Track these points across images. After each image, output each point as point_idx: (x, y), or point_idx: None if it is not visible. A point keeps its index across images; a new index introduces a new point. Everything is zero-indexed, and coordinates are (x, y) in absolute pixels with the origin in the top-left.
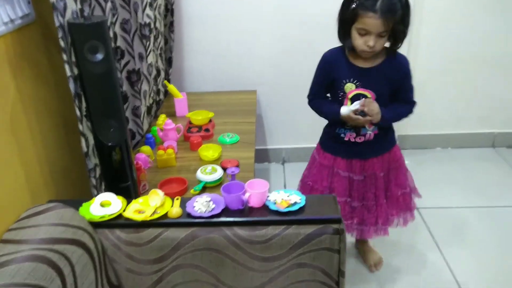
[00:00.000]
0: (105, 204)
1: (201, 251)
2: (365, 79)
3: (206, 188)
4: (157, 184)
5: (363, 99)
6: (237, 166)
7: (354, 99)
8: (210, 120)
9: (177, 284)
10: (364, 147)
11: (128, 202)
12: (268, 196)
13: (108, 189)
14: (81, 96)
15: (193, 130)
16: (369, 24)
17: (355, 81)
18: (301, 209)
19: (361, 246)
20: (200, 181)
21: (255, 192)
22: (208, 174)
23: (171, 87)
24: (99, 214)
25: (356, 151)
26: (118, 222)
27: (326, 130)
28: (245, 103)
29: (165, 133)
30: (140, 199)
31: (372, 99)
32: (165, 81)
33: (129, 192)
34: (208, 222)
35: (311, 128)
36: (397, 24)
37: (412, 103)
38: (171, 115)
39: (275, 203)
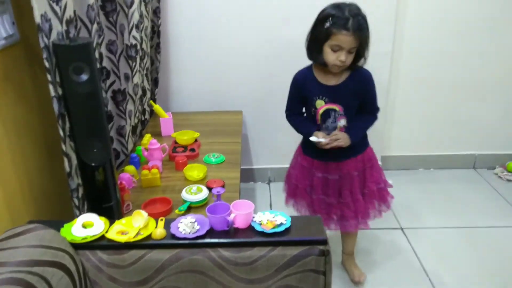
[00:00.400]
0: (87, 225)
1: (185, 273)
2: (333, 95)
3: (191, 208)
4: (141, 204)
5: (333, 135)
6: (223, 186)
7: (324, 113)
8: (196, 140)
9: None
10: (339, 151)
11: (111, 223)
12: (253, 217)
13: (91, 209)
14: (65, 116)
15: (179, 150)
16: (343, 40)
17: (324, 98)
18: (287, 230)
19: (347, 262)
20: (185, 201)
21: (240, 213)
22: (193, 194)
23: (157, 107)
24: (81, 236)
25: (332, 155)
26: (100, 243)
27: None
28: (231, 123)
29: (150, 153)
30: (123, 220)
31: (341, 111)
32: (151, 101)
33: (112, 213)
34: (192, 244)
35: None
36: (363, 41)
37: (376, 110)
38: (157, 134)
39: (260, 224)
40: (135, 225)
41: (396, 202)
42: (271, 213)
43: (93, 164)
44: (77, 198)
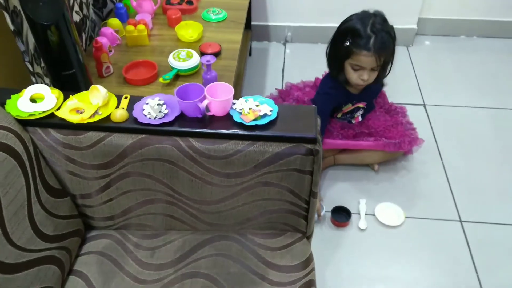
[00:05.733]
0: (37, 99)
1: (152, 161)
2: (359, 98)
3: (179, 76)
4: (123, 66)
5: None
6: (218, 52)
7: (349, 111)
8: None
9: (128, 191)
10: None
11: (67, 97)
12: (233, 104)
13: (52, 78)
14: None
15: (173, 1)
16: (363, 61)
17: (353, 101)
18: (271, 123)
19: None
20: (172, 68)
21: (215, 100)
22: (182, 60)
23: None
24: (28, 111)
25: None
26: (52, 121)
27: None
28: None
29: (139, 3)
30: (81, 94)
31: (364, 106)
32: None
33: (76, 82)
34: (157, 130)
35: (322, 5)
36: (387, 58)
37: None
38: None
39: (241, 113)
40: (92, 102)
41: (423, 73)
42: (256, 99)
43: (43, 22)
44: (30, 63)
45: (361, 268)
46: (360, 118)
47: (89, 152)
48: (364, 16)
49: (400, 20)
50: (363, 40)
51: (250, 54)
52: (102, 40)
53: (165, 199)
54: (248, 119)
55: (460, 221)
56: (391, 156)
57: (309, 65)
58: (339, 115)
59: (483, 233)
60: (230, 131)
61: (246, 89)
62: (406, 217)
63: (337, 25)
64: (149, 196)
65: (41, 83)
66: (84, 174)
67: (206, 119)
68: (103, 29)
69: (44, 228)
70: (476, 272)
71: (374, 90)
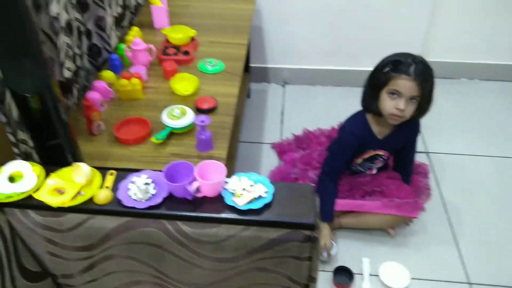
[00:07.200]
0: (16, 177)
1: (137, 245)
2: (383, 144)
3: (173, 134)
4: (115, 124)
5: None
6: (214, 107)
7: (369, 158)
8: (193, 39)
9: (113, 272)
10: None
11: (49, 173)
12: (226, 183)
13: (37, 148)
14: None
15: (170, 52)
16: (402, 85)
17: (376, 148)
18: (266, 206)
19: None
20: (165, 126)
21: (206, 183)
22: (176, 118)
23: None
24: (5, 192)
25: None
26: (30, 203)
27: None
28: (240, 16)
29: (135, 54)
30: (63, 170)
31: (385, 156)
32: None
33: (62, 151)
34: (143, 213)
35: (321, 46)
36: (426, 90)
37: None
38: (148, 26)
39: (233, 194)
40: (75, 180)
41: (425, 118)
42: (250, 179)
43: (26, 94)
44: (13, 134)
45: None
46: (374, 171)
47: (70, 234)
48: (402, 52)
49: None
50: (404, 66)
51: (248, 96)
52: (94, 95)
53: (152, 280)
54: (241, 203)
55: (469, 283)
56: (401, 221)
57: (308, 108)
58: (359, 161)
59: None
60: (222, 215)
61: (245, 133)
62: (412, 278)
63: (336, 67)
64: (135, 278)
65: (25, 150)
66: (65, 255)
67: (196, 201)
68: (96, 83)
69: None
70: None
71: (401, 135)
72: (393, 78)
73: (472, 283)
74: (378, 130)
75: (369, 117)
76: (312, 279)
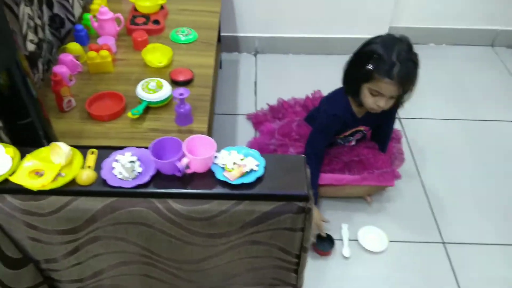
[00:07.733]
0: None
1: (125, 225)
2: (363, 122)
3: (149, 109)
4: (86, 98)
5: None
6: (191, 79)
7: (350, 133)
8: (162, 7)
9: (99, 254)
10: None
11: (25, 154)
12: (215, 158)
13: (7, 129)
14: None
15: (138, 21)
16: (384, 88)
17: (357, 126)
18: (258, 180)
19: None
20: (141, 100)
21: (196, 158)
22: (152, 91)
23: None
24: None
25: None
26: (7, 187)
27: None
28: None
29: (101, 24)
30: (39, 150)
31: (365, 130)
32: None
33: (35, 131)
34: (131, 193)
35: (292, 14)
36: (407, 89)
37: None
38: None
39: (223, 168)
40: (54, 161)
41: None
42: (240, 152)
43: None
44: None
45: None
46: (353, 142)
47: (52, 218)
48: (388, 41)
49: (371, 29)
50: (386, 67)
51: (220, 67)
52: (62, 69)
53: (142, 260)
54: (233, 177)
55: (443, 242)
56: (378, 190)
57: (281, 77)
58: (340, 137)
59: (465, 254)
60: (214, 191)
61: (219, 106)
62: (390, 241)
63: (307, 35)
64: (123, 259)
65: None
66: (48, 240)
67: (186, 178)
68: (62, 56)
69: None
70: None
71: (376, 116)
72: (375, 79)
73: (446, 242)
74: (359, 110)
75: (350, 98)
76: (304, 249)
